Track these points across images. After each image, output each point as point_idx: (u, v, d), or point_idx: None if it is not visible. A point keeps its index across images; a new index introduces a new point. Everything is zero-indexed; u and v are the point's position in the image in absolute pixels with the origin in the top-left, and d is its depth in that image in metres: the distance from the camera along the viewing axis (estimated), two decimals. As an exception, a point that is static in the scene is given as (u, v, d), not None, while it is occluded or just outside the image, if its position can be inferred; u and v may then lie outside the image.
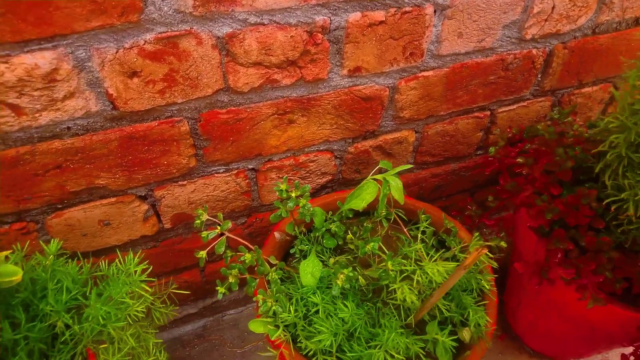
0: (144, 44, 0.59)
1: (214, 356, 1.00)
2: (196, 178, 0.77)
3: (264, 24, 0.63)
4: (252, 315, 1.10)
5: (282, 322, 0.67)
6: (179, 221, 0.82)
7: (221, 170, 0.78)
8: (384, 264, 0.70)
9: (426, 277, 0.68)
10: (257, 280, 0.72)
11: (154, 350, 0.65)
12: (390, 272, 0.70)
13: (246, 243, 0.70)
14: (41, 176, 0.65)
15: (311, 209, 0.72)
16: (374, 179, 0.70)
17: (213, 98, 0.68)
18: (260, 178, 0.83)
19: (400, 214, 0.80)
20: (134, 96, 0.63)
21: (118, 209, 0.75)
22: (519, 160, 0.84)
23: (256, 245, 0.71)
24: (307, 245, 0.79)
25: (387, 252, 0.75)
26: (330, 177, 0.90)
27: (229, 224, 0.68)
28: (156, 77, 0.62)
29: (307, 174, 0.86)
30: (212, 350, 1.02)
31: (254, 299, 0.69)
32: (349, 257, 0.80)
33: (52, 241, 0.63)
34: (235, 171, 0.79)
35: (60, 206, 0.70)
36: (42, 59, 0.55)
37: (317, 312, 0.69)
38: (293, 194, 0.70)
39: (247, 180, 0.82)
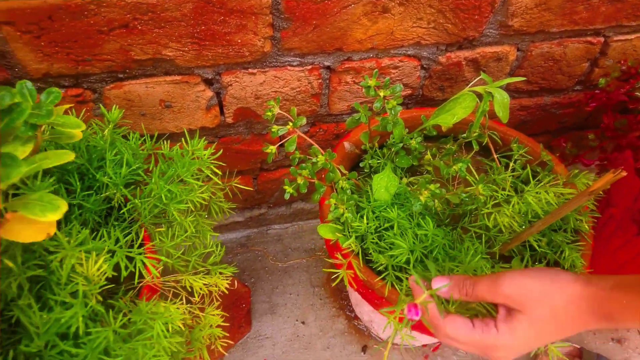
0: None
1: (256, 266, 0.97)
2: (268, 68, 0.68)
3: None
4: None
5: (353, 231, 0.60)
6: (242, 117, 0.75)
7: (295, 63, 0.69)
8: (472, 187, 0.62)
9: (525, 206, 0.59)
10: (325, 187, 0.65)
11: (211, 243, 0.59)
12: (480, 197, 0.62)
13: (316, 146, 0.63)
14: (105, 34, 0.58)
15: (398, 115, 0.63)
16: (473, 92, 0.60)
17: (304, -33, 0.58)
18: (333, 80, 0.73)
19: (495, 136, 0.71)
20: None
21: (182, 90, 0.67)
22: (638, 93, 0.72)
23: (329, 149, 0.63)
24: (378, 160, 0.71)
25: (476, 176, 0.67)
26: (409, 92, 0.80)
27: (304, 120, 0.60)
28: None
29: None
30: (255, 260, 0.98)
31: (327, 202, 0.62)
32: (423, 179, 0.71)
33: (113, 107, 0.56)
34: (310, 67, 0.70)
35: (121, 76, 0.63)
36: None
37: (389, 228, 0.62)
38: (381, 93, 0.61)
39: (320, 81, 0.73)
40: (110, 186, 0.53)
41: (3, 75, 0.59)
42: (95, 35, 0.57)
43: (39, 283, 0.44)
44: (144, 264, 0.48)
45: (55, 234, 0.40)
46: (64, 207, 0.37)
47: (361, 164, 0.72)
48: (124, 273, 0.46)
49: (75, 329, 0.41)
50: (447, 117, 0.64)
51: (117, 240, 0.48)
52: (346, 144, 0.74)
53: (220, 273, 0.55)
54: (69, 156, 0.41)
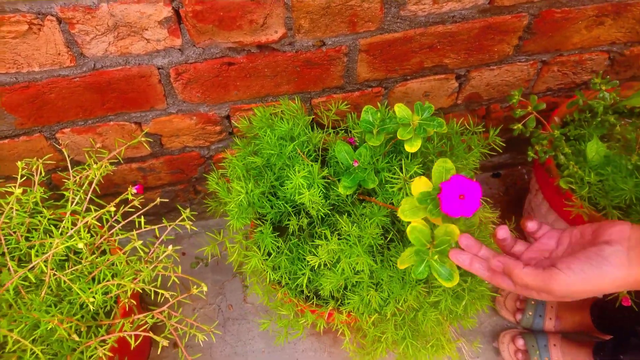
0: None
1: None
2: (503, 65, 0.93)
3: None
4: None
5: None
6: (467, 99, 1.01)
7: (522, 60, 0.94)
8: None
9: None
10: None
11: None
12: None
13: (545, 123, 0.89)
14: (415, 53, 0.84)
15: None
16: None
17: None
18: (544, 70, 0.98)
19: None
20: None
21: (440, 84, 0.94)
22: None
23: (552, 124, 0.89)
24: (582, 130, 0.97)
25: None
26: (589, 77, 1.03)
27: (543, 105, 0.86)
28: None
29: (580, 71, 1.00)
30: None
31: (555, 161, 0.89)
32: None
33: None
34: (532, 62, 0.95)
35: (408, 77, 0.90)
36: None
37: (603, 181, 0.88)
38: (603, 87, 0.86)
39: (534, 70, 0.97)
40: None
41: (339, 82, 0.87)
42: (409, 54, 0.84)
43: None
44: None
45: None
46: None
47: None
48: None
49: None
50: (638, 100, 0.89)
51: None
52: (556, 119, 1.00)
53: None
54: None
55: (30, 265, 0.70)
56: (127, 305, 0.73)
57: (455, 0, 0.76)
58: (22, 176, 0.78)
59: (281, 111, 0.83)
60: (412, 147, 0.68)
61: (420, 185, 0.55)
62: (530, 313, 1.09)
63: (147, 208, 0.80)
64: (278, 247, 0.76)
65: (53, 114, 0.79)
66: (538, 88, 1.03)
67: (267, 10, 0.69)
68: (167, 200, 1.09)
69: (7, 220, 0.78)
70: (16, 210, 0.78)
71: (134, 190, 0.77)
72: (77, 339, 0.65)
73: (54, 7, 0.63)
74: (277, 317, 0.76)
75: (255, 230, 0.79)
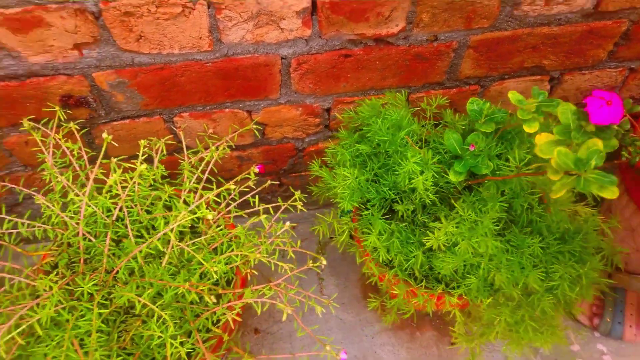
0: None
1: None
2: (595, 70, 0.97)
3: None
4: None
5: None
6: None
7: (613, 66, 0.97)
8: None
9: None
10: None
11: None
12: None
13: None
14: (518, 52, 0.88)
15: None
16: None
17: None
18: (630, 77, 1.01)
19: None
20: (615, -2, 0.82)
21: (533, 84, 0.97)
22: None
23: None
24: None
25: None
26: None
27: (638, 108, 0.89)
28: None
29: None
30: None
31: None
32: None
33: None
34: (621, 68, 0.98)
35: (506, 77, 0.94)
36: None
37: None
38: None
39: (622, 77, 1.00)
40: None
41: (441, 77, 0.91)
42: (513, 53, 0.88)
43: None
44: None
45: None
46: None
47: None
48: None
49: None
50: None
51: None
52: None
53: None
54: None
55: (158, 234, 0.74)
56: (248, 276, 0.77)
57: (564, 3, 0.80)
58: (143, 154, 0.83)
59: (385, 104, 0.88)
60: (530, 128, 0.71)
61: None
62: (608, 319, 1.09)
63: (260, 188, 0.85)
64: (390, 229, 0.79)
65: (178, 97, 0.85)
66: (621, 95, 1.06)
67: (395, 4, 0.74)
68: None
69: (131, 193, 0.83)
70: (138, 184, 0.83)
71: (256, 170, 0.81)
72: (214, 300, 0.68)
73: (208, -8, 0.69)
74: (387, 297, 0.79)
75: (362, 214, 0.83)
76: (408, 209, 0.79)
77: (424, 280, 0.78)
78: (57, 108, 0.81)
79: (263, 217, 0.78)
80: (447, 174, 0.78)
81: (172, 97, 0.85)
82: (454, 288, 0.76)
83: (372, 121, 0.82)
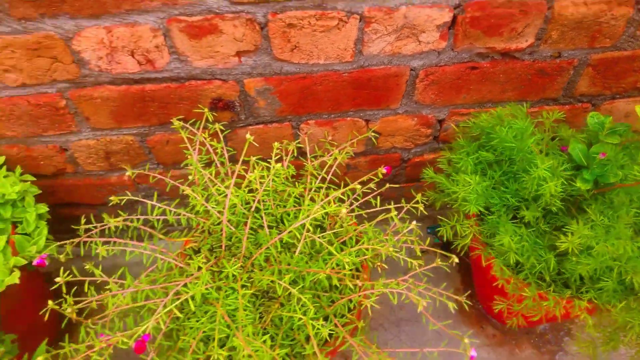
0: None
1: None
2: None
3: None
4: None
5: None
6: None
7: None
8: None
9: None
10: None
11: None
12: None
13: None
14: (634, 72, 0.92)
15: None
16: None
17: None
18: None
19: None
20: None
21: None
22: None
23: None
24: None
25: None
26: None
27: None
28: None
29: None
30: None
31: None
32: None
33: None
34: None
35: (617, 96, 0.97)
36: None
37: None
38: None
39: None
40: None
41: (557, 93, 0.95)
42: (628, 72, 0.92)
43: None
44: None
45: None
46: None
47: None
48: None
49: None
50: None
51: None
52: None
53: None
54: None
55: (296, 224, 0.80)
56: (379, 268, 0.81)
57: (687, 24, 0.84)
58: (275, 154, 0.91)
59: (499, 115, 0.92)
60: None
61: None
62: None
63: (380, 190, 0.90)
64: (519, 233, 0.82)
65: (311, 105, 0.93)
66: None
67: (529, 20, 0.80)
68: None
69: (267, 189, 0.90)
70: (272, 181, 0.90)
71: (383, 170, 0.87)
72: (359, 284, 0.73)
73: (363, 6, 0.77)
74: (514, 299, 0.81)
75: (486, 218, 0.86)
76: (534, 216, 0.82)
77: (552, 285, 0.80)
78: (205, 110, 0.90)
79: (393, 213, 0.82)
80: (572, 183, 0.81)
81: (305, 105, 0.93)
82: (582, 293, 0.78)
83: (496, 130, 0.87)
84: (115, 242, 0.81)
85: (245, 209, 0.88)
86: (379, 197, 0.87)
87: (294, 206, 0.90)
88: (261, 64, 0.84)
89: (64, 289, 0.74)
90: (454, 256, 0.79)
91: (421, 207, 0.87)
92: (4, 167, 0.94)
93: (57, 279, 0.72)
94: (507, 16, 0.79)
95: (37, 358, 0.71)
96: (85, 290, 0.76)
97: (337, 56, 0.84)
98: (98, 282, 0.77)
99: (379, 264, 0.82)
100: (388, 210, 0.87)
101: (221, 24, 0.77)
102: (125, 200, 0.86)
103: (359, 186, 0.89)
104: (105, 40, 0.77)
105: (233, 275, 0.80)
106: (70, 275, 0.73)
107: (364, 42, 0.82)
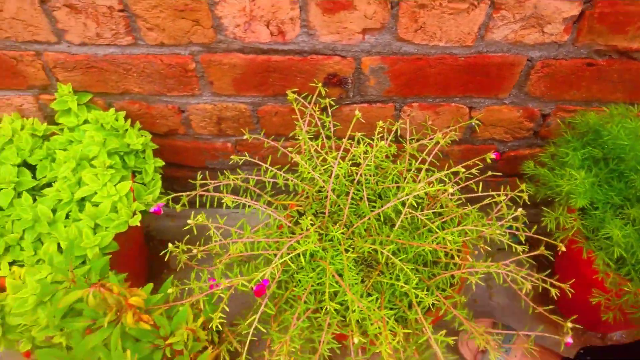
0: None
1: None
2: None
3: None
4: None
5: None
6: None
7: None
8: None
9: None
10: None
11: None
12: None
13: None
14: None
15: None
16: None
17: None
18: None
19: None
20: None
21: None
22: None
23: None
24: None
25: None
26: None
27: None
28: None
29: None
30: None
31: None
32: None
33: None
34: None
35: None
36: None
37: None
38: None
39: None
40: None
41: None
42: None
43: None
44: None
45: None
46: None
47: None
48: None
49: None
50: None
51: None
52: None
53: None
54: None
55: (402, 197, 0.84)
56: (482, 250, 0.84)
57: None
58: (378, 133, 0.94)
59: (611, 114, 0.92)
60: None
61: None
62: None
63: (484, 176, 0.92)
64: (626, 230, 0.82)
65: (419, 87, 0.96)
66: None
67: (659, 19, 0.80)
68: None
69: (369, 164, 0.94)
70: (375, 157, 0.94)
71: (492, 156, 0.89)
72: (469, 258, 0.75)
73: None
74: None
75: (591, 213, 0.87)
76: (641, 214, 0.82)
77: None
78: (319, 85, 0.95)
79: (502, 197, 0.84)
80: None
81: (413, 87, 0.96)
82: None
83: (607, 127, 0.87)
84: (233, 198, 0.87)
85: (347, 180, 0.92)
86: (481, 183, 0.89)
87: (394, 183, 0.93)
88: (382, 43, 0.88)
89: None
90: (560, 245, 0.80)
91: (525, 196, 0.88)
92: (128, 121, 1.02)
93: (189, 221, 0.79)
94: (636, 14, 0.79)
95: (165, 290, 0.78)
96: (208, 237, 0.82)
97: (459, 40, 0.86)
98: (206, 234, 0.83)
99: (482, 245, 0.84)
100: (490, 196, 0.89)
101: (356, 1, 0.81)
102: (231, 162, 0.92)
103: (462, 169, 0.91)
104: (247, 9, 0.83)
105: (337, 239, 0.85)
106: (198, 219, 0.79)
107: (488, 27, 0.84)
